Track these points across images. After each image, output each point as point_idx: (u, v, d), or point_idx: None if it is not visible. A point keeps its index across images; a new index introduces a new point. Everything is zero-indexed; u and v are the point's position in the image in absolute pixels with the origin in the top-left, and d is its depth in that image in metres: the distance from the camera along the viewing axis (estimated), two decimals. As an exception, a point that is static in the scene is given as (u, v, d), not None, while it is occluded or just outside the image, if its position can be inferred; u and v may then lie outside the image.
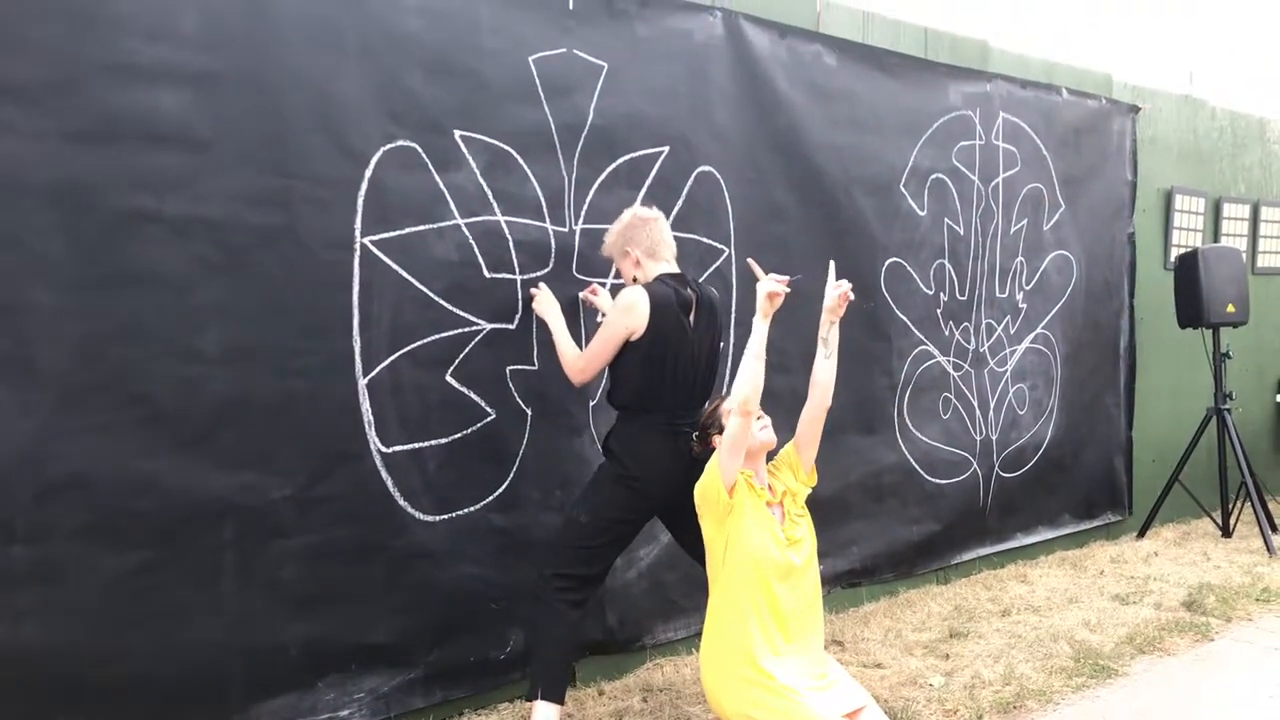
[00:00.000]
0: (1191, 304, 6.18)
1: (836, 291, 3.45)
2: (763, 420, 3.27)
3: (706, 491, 3.18)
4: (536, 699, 3.27)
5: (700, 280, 3.86)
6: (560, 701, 3.32)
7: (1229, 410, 6.31)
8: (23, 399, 2.77)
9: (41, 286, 2.79)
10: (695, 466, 3.28)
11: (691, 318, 3.45)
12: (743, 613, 3.11)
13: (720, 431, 3.26)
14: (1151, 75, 7.50)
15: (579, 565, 3.37)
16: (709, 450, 3.29)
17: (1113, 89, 6.18)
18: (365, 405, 3.38)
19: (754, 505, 3.18)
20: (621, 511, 3.42)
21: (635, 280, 3.52)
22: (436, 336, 3.53)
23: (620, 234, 3.54)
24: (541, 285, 3.72)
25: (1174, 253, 6.60)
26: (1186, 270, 6.20)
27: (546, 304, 3.68)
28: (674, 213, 4.11)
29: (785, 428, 3.41)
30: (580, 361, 3.51)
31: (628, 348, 3.40)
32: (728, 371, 4.32)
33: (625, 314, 3.38)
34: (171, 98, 2.97)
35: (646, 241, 3.50)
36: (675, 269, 3.54)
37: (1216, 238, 7.02)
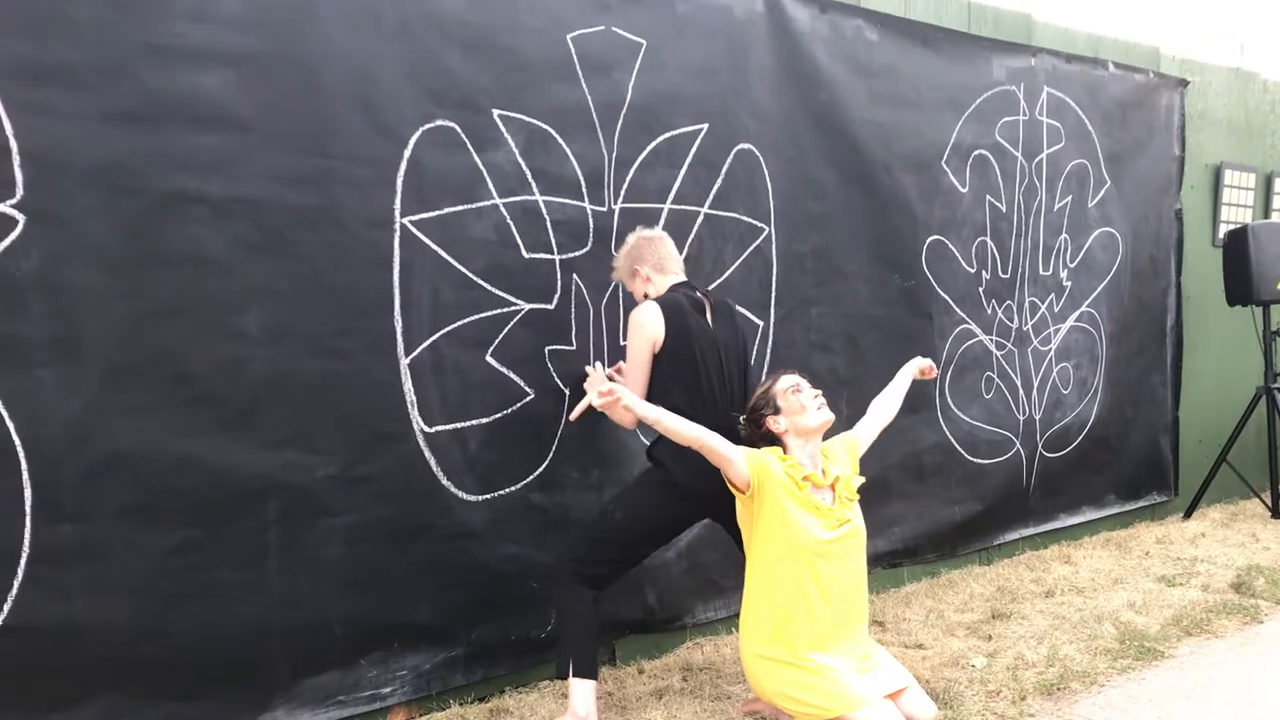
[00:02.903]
0: (1241, 281, 6.06)
1: (926, 362, 3.88)
2: (819, 399, 3.28)
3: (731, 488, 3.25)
4: (569, 676, 3.28)
5: (740, 259, 3.82)
6: (593, 676, 3.31)
7: (1279, 389, 6.20)
8: (69, 379, 2.81)
9: (86, 267, 2.82)
10: None
11: (709, 318, 3.48)
12: (784, 596, 3.10)
13: (775, 412, 3.27)
14: (1201, 48, 7.36)
15: (605, 558, 3.37)
16: (761, 433, 3.28)
17: (1160, 62, 6.06)
18: (408, 385, 3.39)
19: (791, 490, 3.16)
20: (659, 517, 3.43)
21: (646, 296, 3.53)
22: (476, 316, 3.54)
23: (627, 255, 3.58)
24: (595, 365, 3.68)
25: (1223, 229, 6.48)
26: (1236, 247, 6.08)
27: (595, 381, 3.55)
28: (714, 191, 4.10)
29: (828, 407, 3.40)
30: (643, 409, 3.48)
31: (654, 361, 3.40)
32: (764, 370, 4.30)
33: (641, 330, 3.39)
34: (213, 79, 2.99)
35: (654, 258, 3.53)
36: (684, 279, 3.56)
37: (1267, 213, 6.88)
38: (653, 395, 3.44)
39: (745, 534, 3.26)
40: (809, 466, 3.24)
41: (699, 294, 3.52)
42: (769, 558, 3.15)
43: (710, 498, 3.40)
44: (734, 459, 3.16)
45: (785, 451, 3.26)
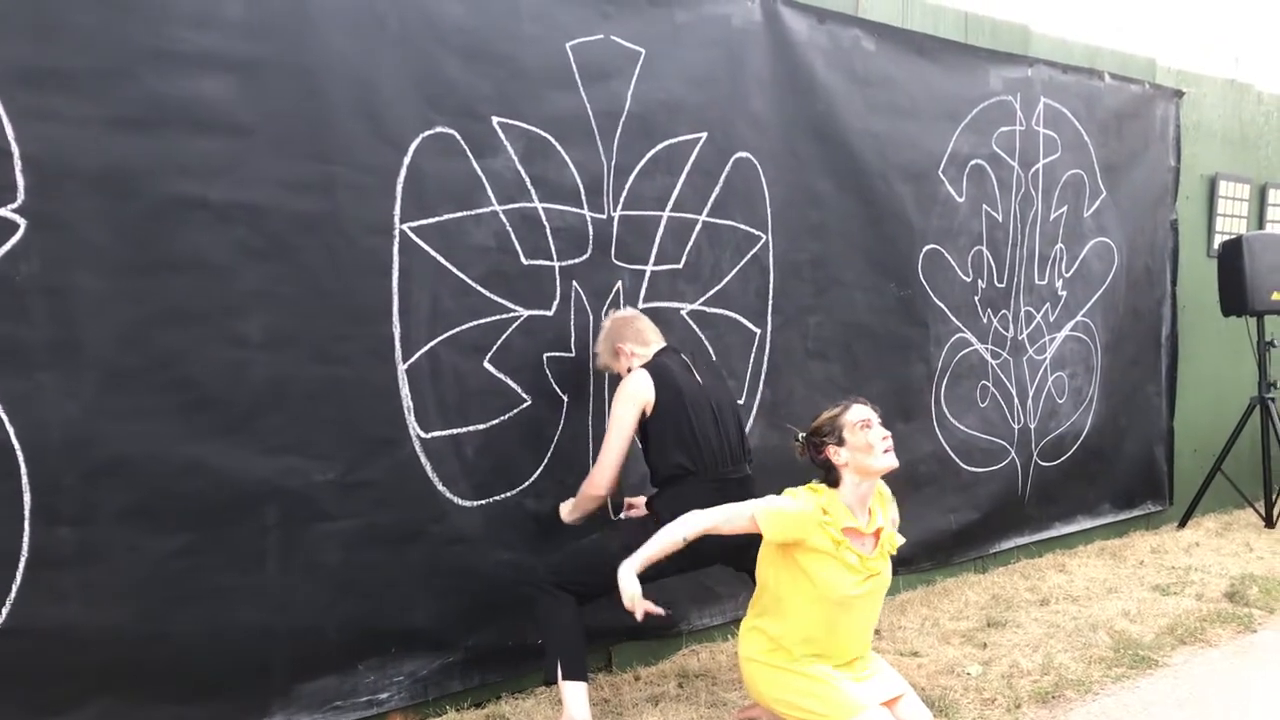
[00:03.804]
0: (1235, 291, 6.08)
1: None
2: (888, 441, 3.02)
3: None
4: (558, 680, 3.28)
5: (738, 267, 3.83)
6: (584, 679, 3.31)
7: (1273, 399, 6.21)
8: (69, 382, 2.81)
9: (88, 271, 2.82)
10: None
11: (696, 375, 3.52)
12: (796, 630, 3.02)
13: (839, 443, 3.01)
14: (1196, 59, 7.39)
15: (591, 583, 3.36)
16: (820, 460, 3.06)
17: (1156, 74, 6.09)
18: (405, 391, 3.40)
19: (827, 551, 2.98)
20: (655, 561, 3.43)
21: (630, 370, 3.55)
22: (474, 323, 3.55)
23: (606, 339, 3.63)
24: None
25: (1217, 240, 6.51)
26: (1230, 257, 6.11)
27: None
28: (712, 199, 4.11)
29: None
30: (596, 472, 3.48)
31: (650, 423, 3.43)
32: (761, 378, 4.32)
33: (631, 398, 3.43)
34: (215, 84, 3.00)
35: (633, 335, 3.59)
36: (665, 344, 3.62)
37: (1261, 224, 6.91)
38: (650, 457, 3.49)
39: (764, 562, 3.13)
40: (856, 510, 3.02)
41: (682, 355, 3.59)
42: (786, 595, 3.05)
43: (709, 549, 3.40)
44: (754, 527, 2.98)
45: (839, 483, 3.03)
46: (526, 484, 3.70)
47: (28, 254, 2.74)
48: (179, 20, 2.93)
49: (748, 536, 3.07)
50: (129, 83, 2.86)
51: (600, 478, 3.48)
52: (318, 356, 3.22)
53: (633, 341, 3.59)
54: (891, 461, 3.02)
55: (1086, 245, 5.73)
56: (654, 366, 3.48)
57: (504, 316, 3.61)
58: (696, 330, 4.10)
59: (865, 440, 2.99)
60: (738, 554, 3.44)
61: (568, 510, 3.66)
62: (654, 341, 3.61)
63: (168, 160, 2.93)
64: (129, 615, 2.93)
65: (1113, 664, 3.99)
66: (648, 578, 3.46)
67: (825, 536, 2.96)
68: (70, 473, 2.82)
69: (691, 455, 3.39)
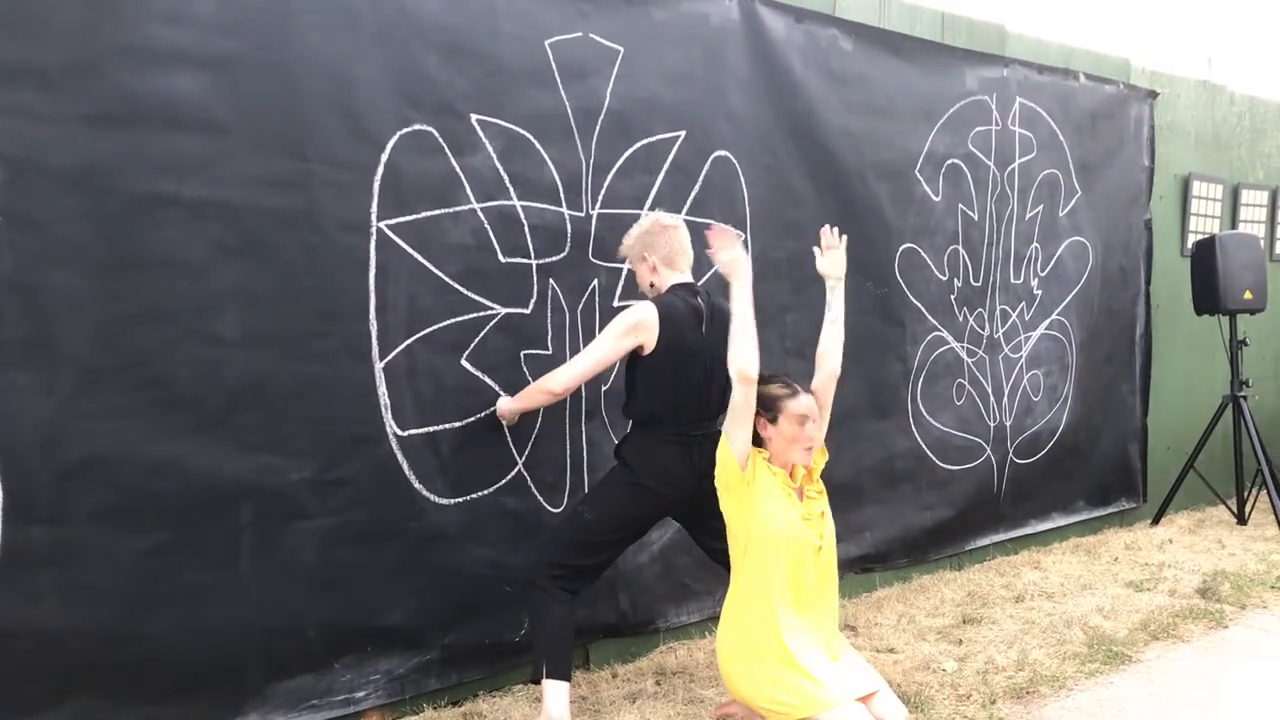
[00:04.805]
0: (1208, 291, 6.14)
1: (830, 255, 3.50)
2: (812, 442, 3.19)
3: (723, 467, 3.17)
4: (543, 679, 3.29)
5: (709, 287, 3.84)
6: (567, 679, 3.33)
7: (1245, 397, 6.28)
8: (43, 380, 2.79)
9: (61, 269, 2.80)
10: (708, 476, 3.26)
11: (703, 329, 3.46)
12: (764, 591, 3.09)
13: (771, 420, 3.18)
14: (1170, 60, 7.46)
15: (577, 558, 3.39)
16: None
17: (1130, 74, 6.14)
18: (382, 389, 3.39)
19: (771, 485, 3.15)
20: (628, 516, 3.45)
21: (652, 286, 3.53)
22: (451, 321, 3.54)
23: (640, 239, 3.54)
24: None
25: (1191, 239, 6.56)
26: (1204, 257, 6.17)
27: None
28: (691, 197, 4.12)
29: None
30: (562, 372, 3.45)
31: (640, 361, 3.41)
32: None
33: (634, 330, 3.37)
34: (190, 81, 2.98)
35: (665, 250, 3.51)
36: (689, 279, 3.55)
37: (1234, 224, 6.97)
38: (629, 387, 3.48)
39: (736, 532, 3.21)
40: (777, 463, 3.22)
41: (699, 300, 3.50)
42: (756, 558, 3.12)
43: (675, 499, 3.44)
44: (746, 421, 3.09)
45: (764, 446, 3.21)
46: (503, 482, 3.70)
47: (0, 251, 2.72)
48: (152, 16, 2.91)
49: (705, 500, 3.25)
50: (103, 79, 2.84)
51: (564, 377, 3.43)
52: (294, 354, 3.21)
53: (660, 258, 3.50)
54: (806, 461, 3.21)
55: (1062, 244, 5.77)
56: (667, 306, 3.40)
57: (481, 314, 3.61)
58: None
59: (794, 434, 3.16)
60: (689, 511, 3.51)
61: (507, 401, 3.60)
62: (679, 267, 3.52)
63: (142, 157, 2.91)
64: (104, 615, 2.91)
65: (1087, 660, 4.03)
66: (620, 539, 3.47)
67: (765, 467, 3.15)
68: (44, 471, 2.80)
69: (666, 407, 3.40)
